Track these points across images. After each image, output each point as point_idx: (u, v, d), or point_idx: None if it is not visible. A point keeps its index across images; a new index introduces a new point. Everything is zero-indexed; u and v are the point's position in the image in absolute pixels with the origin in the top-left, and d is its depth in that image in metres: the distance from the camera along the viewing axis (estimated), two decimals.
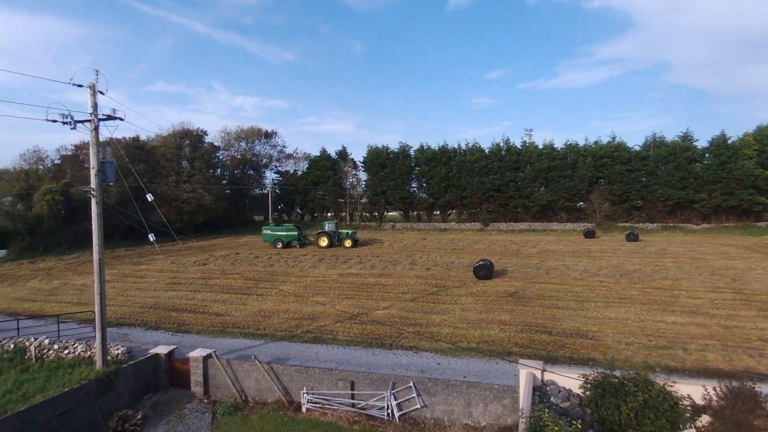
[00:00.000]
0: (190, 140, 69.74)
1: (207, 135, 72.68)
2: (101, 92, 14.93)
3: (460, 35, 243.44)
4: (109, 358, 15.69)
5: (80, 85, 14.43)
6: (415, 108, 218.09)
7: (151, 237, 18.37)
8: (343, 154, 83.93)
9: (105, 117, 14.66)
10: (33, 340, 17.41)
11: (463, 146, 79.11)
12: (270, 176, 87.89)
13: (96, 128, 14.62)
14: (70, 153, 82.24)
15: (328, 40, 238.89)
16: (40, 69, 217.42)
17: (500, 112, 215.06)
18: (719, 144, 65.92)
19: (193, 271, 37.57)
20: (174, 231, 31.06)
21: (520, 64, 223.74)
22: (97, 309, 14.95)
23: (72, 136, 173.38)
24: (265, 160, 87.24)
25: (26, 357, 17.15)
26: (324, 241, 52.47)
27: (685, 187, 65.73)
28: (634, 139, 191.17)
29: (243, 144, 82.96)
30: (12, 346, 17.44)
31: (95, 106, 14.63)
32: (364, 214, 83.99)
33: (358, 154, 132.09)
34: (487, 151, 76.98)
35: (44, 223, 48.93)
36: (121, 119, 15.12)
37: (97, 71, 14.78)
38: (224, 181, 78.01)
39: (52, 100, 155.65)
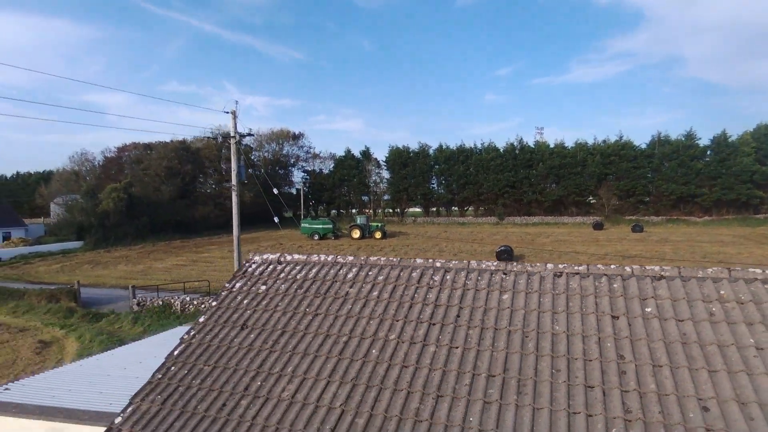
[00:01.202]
0: (222, 141, 75.90)
1: (244, 137, 78.93)
2: (236, 115, 20.81)
3: (469, 32, 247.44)
4: None
5: (227, 112, 20.34)
6: (424, 105, 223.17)
7: (276, 219, 24.31)
8: (366, 153, 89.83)
9: (244, 134, 20.58)
10: (177, 298, 23.46)
11: (479, 145, 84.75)
12: (298, 175, 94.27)
13: (237, 142, 20.52)
14: (113, 155, 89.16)
15: (337, 39, 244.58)
16: (53, 69, 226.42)
17: (511, 109, 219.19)
18: (720, 142, 70.69)
19: None
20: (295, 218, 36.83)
21: (531, 61, 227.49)
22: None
23: (82, 137, 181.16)
24: (293, 159, 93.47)
25: (172, 310, 23.20)
26: (356, 233, 58.16)
27: (687, 182, 70.60)
28: (644, 133, 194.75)
29: (273, 145, 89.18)
30: (161, 302, 23.50)
31: (235, 126, 20.52)
32: (386, 209, 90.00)
33: (373, 152, 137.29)
34: (501, 150, 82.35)
35: (110, 218, 55.33)
36: (252, 135, 21.02)
37: (236, 101, 20.69)
38: (257, 180, 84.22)
39: (67, 101, 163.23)
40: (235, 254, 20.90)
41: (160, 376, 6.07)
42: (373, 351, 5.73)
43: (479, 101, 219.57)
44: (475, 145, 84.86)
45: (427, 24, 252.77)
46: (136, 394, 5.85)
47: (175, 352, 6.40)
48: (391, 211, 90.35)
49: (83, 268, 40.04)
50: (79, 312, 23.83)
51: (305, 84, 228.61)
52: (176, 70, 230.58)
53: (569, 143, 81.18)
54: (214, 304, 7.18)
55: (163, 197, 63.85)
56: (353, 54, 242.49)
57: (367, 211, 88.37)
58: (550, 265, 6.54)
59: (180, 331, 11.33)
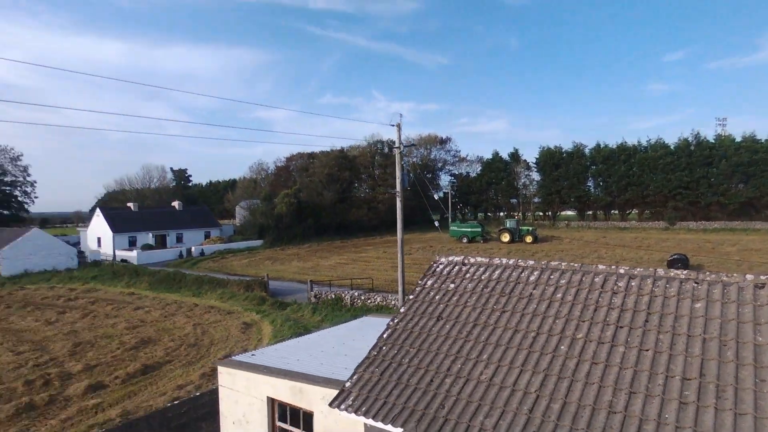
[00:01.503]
0: (381, 149, 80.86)
1: (408, 147, 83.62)
2: (400, 128, 22.56)
3: (630, 17, 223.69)
4: None
5: (392, 125, 22.19)
6: (577, 101, 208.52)
7: (436, 223, 26.03)
8: (515, 155, 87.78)
9: (407, 145, 22.27)
10: (346, 293, 26.21)
11: (644, 142, 76.78)
12: (444, 179, 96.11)
13: (401, 153, 22.26)
14: (282, 164, 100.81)
15: (483, 39, 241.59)
16: (233, 92, 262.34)
17: (682, 98, 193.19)
18: None
19: (408, 259, 45.96)
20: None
21: (707, 41, 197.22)
22: (399, 271, 22.66)
23: (257, 149, 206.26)
24: (440, 164, 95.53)
25: (342, 303, 25.99)
26: (506, 237, 57.32)
27: None
28: None
29: (422, 150, 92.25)
30: (333, 296, 26.50)
31: (399, 137, 22.27)
32: (536, 213, 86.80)
33: (522, 153, 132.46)
34: (672, 146, 73.62)
35: (283, 220, 63.05)
36: (414, 145, 22.60)
37: (401, 115, 22.43)
38: (408, 185, 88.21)
39: (243, 118, 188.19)
40: (399, 255, 22.69)
41: (375, 353, 7.46)
42: (562, 347, 6.33)
43: (642, 93, 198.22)
44: (638, 142, 77.23)
45: (578, 14, 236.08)
46: (359, 366, 7.29)
47: (384, 335, 7.77)
48: (541, 214, 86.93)
49: (264, 263, 46.52)
50: (269, 300, 28.09)
51: (449, 88, 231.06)
52: (331, 84, 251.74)
53: (762, 135, 69.32)
54: (410, 297, 8.44)
55: (325, 201, 70.62)
56: (499, 53, 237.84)
57: (516, 214, 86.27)
58: (749, 276, 6.40)
59: (367, 320, 13.07)
